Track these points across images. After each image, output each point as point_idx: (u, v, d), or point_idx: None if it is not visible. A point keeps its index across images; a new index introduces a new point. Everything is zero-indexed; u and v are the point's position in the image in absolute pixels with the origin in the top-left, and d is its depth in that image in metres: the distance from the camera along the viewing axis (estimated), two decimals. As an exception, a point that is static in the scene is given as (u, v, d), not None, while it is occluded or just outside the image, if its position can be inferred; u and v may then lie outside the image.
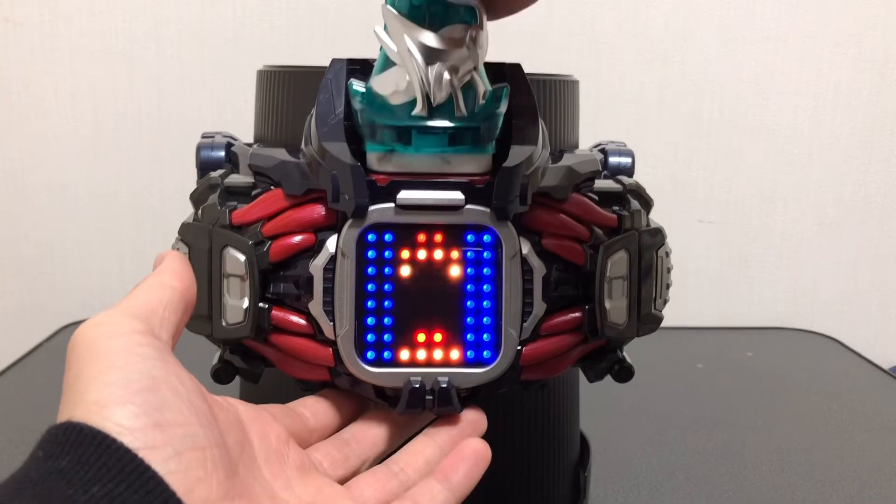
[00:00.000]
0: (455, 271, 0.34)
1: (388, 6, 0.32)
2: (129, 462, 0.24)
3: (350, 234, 0.33)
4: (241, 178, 0.37)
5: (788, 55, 0.88)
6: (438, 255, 0.34)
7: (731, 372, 0.77)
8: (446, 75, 0.31)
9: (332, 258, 0.33)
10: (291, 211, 0.34)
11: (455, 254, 0.34)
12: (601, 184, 0.39)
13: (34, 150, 0.87)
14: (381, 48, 0.33)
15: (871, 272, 0.94)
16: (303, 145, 0.35)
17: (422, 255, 0.34)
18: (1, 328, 0.90)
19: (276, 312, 0.35)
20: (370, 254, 0.34)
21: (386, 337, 0.34)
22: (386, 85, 0.32)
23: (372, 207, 0.33)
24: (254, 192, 0.36)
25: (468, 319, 0.34)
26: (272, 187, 0.35)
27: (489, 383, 0.35)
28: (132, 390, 0.26)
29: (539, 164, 0.34)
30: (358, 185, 0.32)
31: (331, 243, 0.34)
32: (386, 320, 0.34)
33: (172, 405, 0.26)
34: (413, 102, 0.32)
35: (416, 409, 0.34)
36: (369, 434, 0.35)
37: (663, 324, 0.39)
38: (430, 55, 0.31)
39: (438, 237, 0.34)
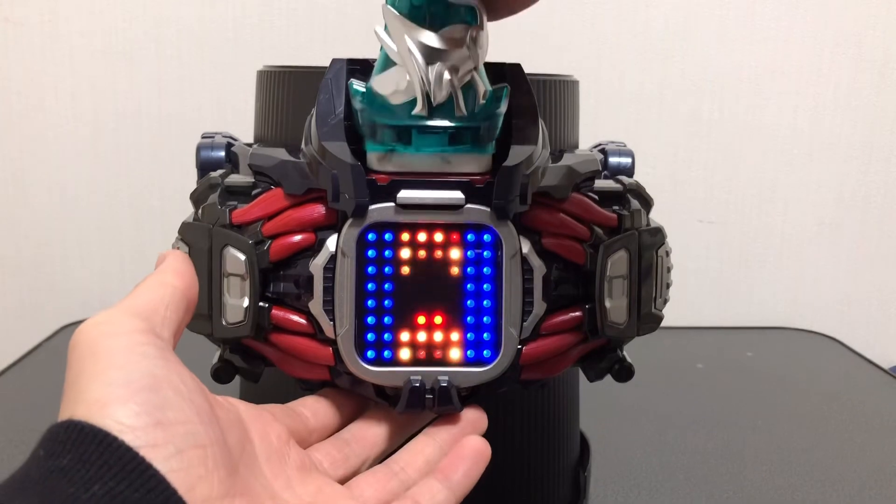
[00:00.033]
0: (455, 271, 0.34)
1: (389, 6, 0.32)
2: (130, 460, 0.24)
3: (350, 233, 0.33)
4: (241, 178, 0.37)
5: (788, 55, 0.88)
6: (438, 254, 0.34)
7: (731, 372, 0.77)
8: (446, 75, 0.31)
9: (333, 257, 0.34)
10: (292, 210, 0.34)
11: (455, 253, 0.34)
12: (601, 183, 0.39)
13: (34, 150, 0.87)
14: (381, 48, 0.33)
15: (871, 272, 0.94)
16: (303, 145, 0.35)
17: (422, 254, 0.34)
18: (1, 328, 0.90)
19: (276, 312, 0.35)
20: (370, 253, 0.34)
21: (386, 336, 0.34)
22: (386, 85, 0.32)
23: (372, 207, 0.33)
24: (254, 192, 0.36)
25: (468, 318, 0.34)
26: (272, 187, 0.35)
27: (489, 382, 0.35)
28: (133, 389, 0.26)
29: (539, 163, 0.34)
30: (358, 185, 0.33)
31: (331, 243, 0.34)
32: (386, 319, 0.34)
33: (173, 404, 0.26)
34: (413, 102, 0.32)
35: (417, 409, 0.34)
36: (369, 434, 0.35)
37: (663, 324, 0.39)
38: (430, 55, 0.31)
39: (439, 236, 0.34)
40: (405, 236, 0.34)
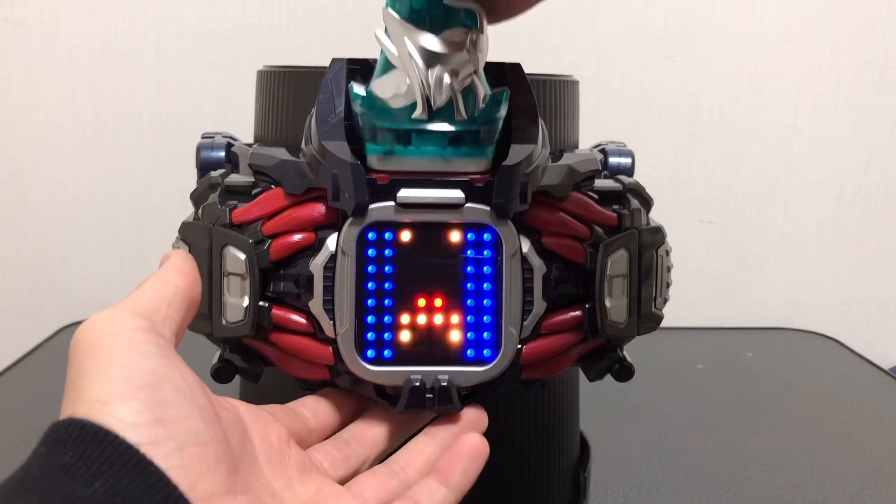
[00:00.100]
0: (455, 270, 0.34)
1: (389, 9, 0.32)
2: (131, 457, 0.24)
3: (350, 232, 0.33)
4: (241, 178, 0.37)
5: (788, 55, 0.88)
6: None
7: (731, 372, 0.77)
8: (446, 79, 0.31)
9: (333, 257, 0.34)
10: (292, 209, 0.34)
11: (455, 252, 0.34)
12: (601, 183, 0.39)
13: (34, 150, 0.87)
14: (381, 51, 0.33)
15: (871, 272, 0.94)
16: (303, 145, 0.35)
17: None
18: (1, 328, 0.90)
19: (276, 311, 0.35)
20: (370, 252, 0.34)
21: (386, 335, 0.34)
22: (386, 88, 0.32)
23: (372, 206, 0.33)
24: (254, 192, 0.36)
25: (468, 318, 0.34)
26: (272, 186, 0.35)
27: (489, 382, 0.35)
28: (134, 387, 0.26)
29: (539, 162, 0.34)
30: (358, 184, 0.33)
31: (331, 242, 0.34)
32: (386, 319, 0.34)
33: (175, 401, 0.26)
34: (413, 106, 0.32)
35: (417, 408, 0.34)
36: (369, 433, 0.35)
37: (663, 324, 0.39)
38: (430, 58, 0.31)
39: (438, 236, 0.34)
40: (405, 235, 0.34)
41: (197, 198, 0.37)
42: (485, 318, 0.34)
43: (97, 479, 0.23)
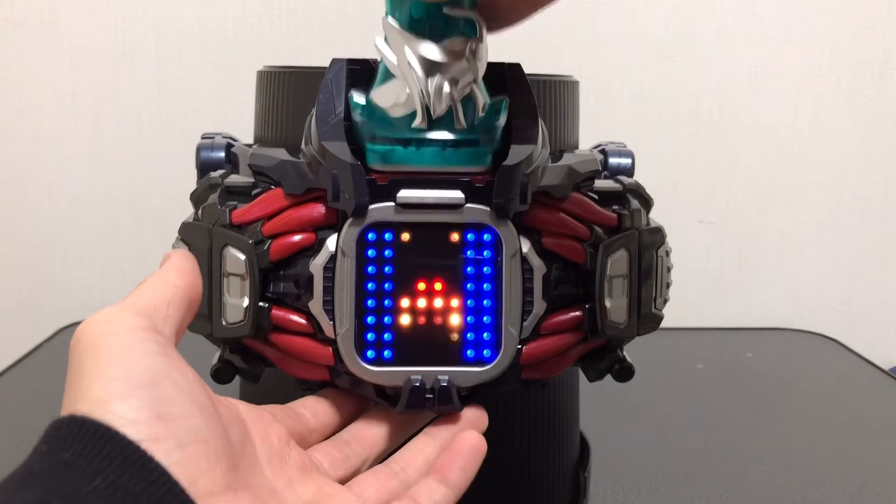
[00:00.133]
0: (455, 270, 0.34)
1: (389, 18, 0.32)
2: (131, 453, 0.24)
3: (350, 232, 0.33)
4: (241, 178, 0.37)
5: (788, 55, 0.88)
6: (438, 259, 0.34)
7: (731, 372, 0.77)
8: (446, 88, 0.31)
9: (333, 257, 0.34)
10: (292, 210, 0.34)
11: (455, 253, 0.34)
12: (601, 183, 0.39)
13: (34, 150, 0.87)
14: (381, 60, 0.33)
15: (872, 272, 0.94)
16: (303, 145, 0.35)
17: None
18: (1, 328, 0.90)
19: (276, 311, 0.35)
20: (370, 253, 0.34)
21: (386, 336, 0.34)
22: (386, 97, 0.32)
23: (372, 206, 0.33)
24: (254, 192, 0.36)
25: (468, 318, 0.34)
26: (272, 187, 0.35)
27: (489, 382, 0.35)
28: (135, 385, 0.26)
29: (539, 163, 0.34)
30: (358, 184, 0.33)
31: (331, 242, 0.34)
32: (386, 319, 0.34)
33: (175, 399, 0.26)
34: (413, 115, 0.32)
35: (417, 409, 0.34)
36: (369, 434, 0.35)
37: (663, 324, 0.39)
38: (430, 67, 0.31)
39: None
40: (405, 236, 0.34)
41: (197, 198, 0.37)
42: (485, 318, 0.34)
43: (98, 475, 0.24)
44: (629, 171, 0.44)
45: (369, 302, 0.34)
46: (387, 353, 0.34)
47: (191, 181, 0.40)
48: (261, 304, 0.35)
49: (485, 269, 0.34)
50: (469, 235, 0.34)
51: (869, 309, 0.94)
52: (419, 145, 0.33)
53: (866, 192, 0.92)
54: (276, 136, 0.43)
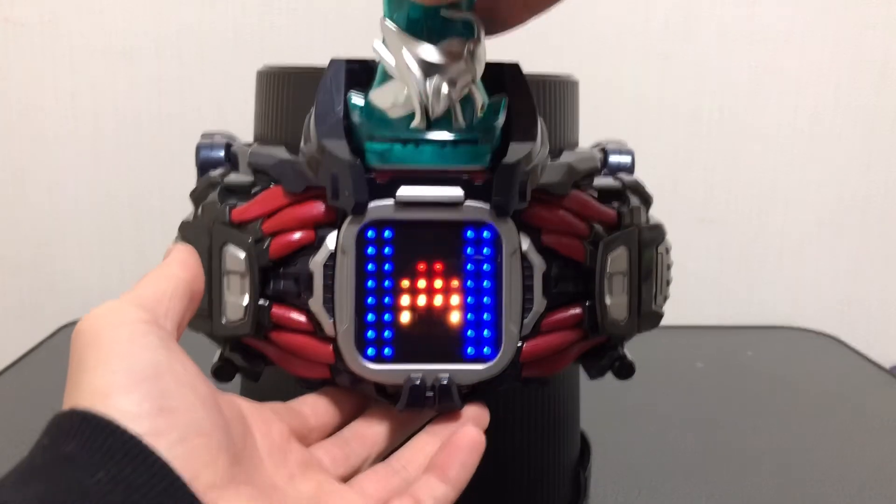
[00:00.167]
0: (455, 268, 0.34)
1: (387, 20, 0.32)
2: (133, 447, 0.24)
3: (350, 230, 0.33)
4: (240, 177, 0.37)
5: (788, 55, 0.88)
6: (438, 258, 0.34)
7: (731, 372, 0.77)
8: (444, 88, 0.31)
9: (332, 255, 0.34)
10: (291, 208, 0.34)
11: (455, 250, 0.34)
12: (600, 181, 0.39)
13: (34, 150, 0.87)
14: (379, 62, 0.33)
15: (872, 272, 0.94)
16: (302, 144, 0.35)
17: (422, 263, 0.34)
18: (1, 328, 0.90)
19: (276, 310, 0.35)
20: (370, 250, 0.34)
21: (386, 334, 0.34)
22: (384, 98, 0.33)
23: (371, 204, 0.33)
24: (253, 191, 0.36)
25: (468, 316, 0.34)
26: (272, 185, 0.35)
27: (489, 380, 0.35)
28: (136, 378, 0.26)
29: (538, 160, 0.34)
30: (357, 183, 0.33)
31: (330, 240, 0.34)
32: (386, 317, 0.34)
33: (177, 392, 0.26)
34: (411, 115, 0.32)
35: (417, 407, 0.34)
36: (370, 432, 0.35)
37: (663, 322, 0.39)
38: (428, 69, 0.31)
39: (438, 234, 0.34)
40: (405, 234, 0.34)
41: (196, 197, 0.37)
42: (485, 315, 0.34)
43: (100, 468, 0.24)
44: (629, 170, 0.44)
45: (369, 300, 0.34)
46: (387, 351, 0.34)
47: (191, 181, 0.40)
48: (261, 302, 0.35)
49: (485, 266, 0.34)
50: (469, 233, 0.34)
51: (869, 308, 0.94)
52: (418, 144, 0.33)
53: (866, 192, 0.92)
54: (276, 136, 0.43)
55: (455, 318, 0.34)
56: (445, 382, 0.34)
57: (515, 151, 0.33)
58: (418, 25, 0.32)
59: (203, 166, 0.42)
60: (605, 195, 0.38)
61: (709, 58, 0.88)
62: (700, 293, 0.92)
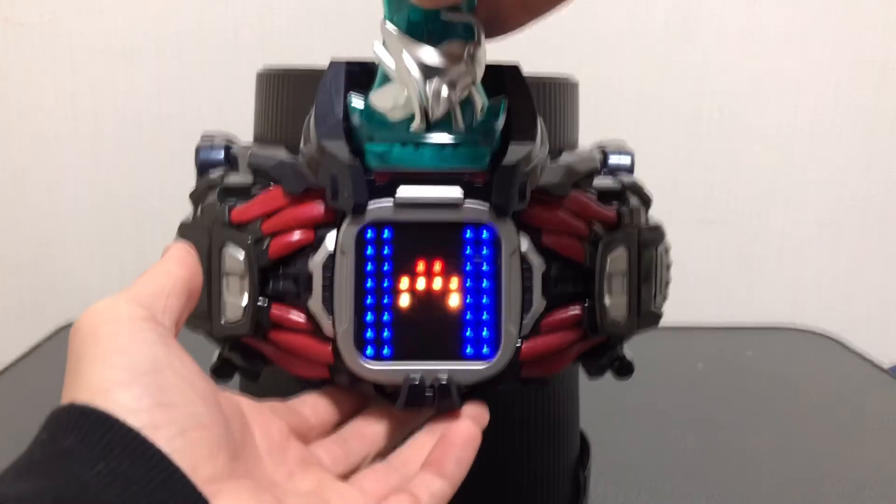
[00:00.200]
0: (454, 268, 0.34)
1: (387, 22, 0.32)
2: (132, 440, 0.24)
3: (349, 231, 0.33)
4: (240, 178, 0.37)
5: (788, 55, 0.88)
6: (438, 259, 0.34)
7: (731, 372, 0.77)
8: (444, 91, 0.31)
9: (331, 255, 0.34)
10: (291, 208, 0.34)
11: (454, 250, 0.34)
12: (600, 181, 0.39)
13: (34, 150, 0.87)
14: (379, 64, 0.33)
15: (872, 272, 0.94)
16: (302, 145, 0.35)
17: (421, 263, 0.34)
18: (1, 328, 0.90)
19: (275, 310, 0.35)
20: (369, 251, 0.34)
21: (385, 333, 0.34)
22: (384, 100, 0.33)
23: (371, 205, 0.33)
24: (253, 192, 0.36)
25: (468, 315, 0.34)
26: (271, 185, 0.35)
27: (489, 380, 0.35)
28: (135, 373, 0.26)
29: (538, 161, 0.34)
30: (357, 183, 0.33)
31: (330, 240, 0.34)
32: (385, 317, 0.34)
33: (176, 387, 0.26)
34: (411, 118, 0.32)
35: (416, 406, 0.34)
36: (369, 431, 0.35)
37: (663, 323, 0.39)
38: (428, 71, 0.31)
39: (437, 234, 0.34)
40: (404, 233, 0.34)
41: (196, 197, 0.37)
42: (484, 315, 0.34)
43: (99, 461, 0.24)
44: (629, 170, 0.44)
45: (368, 300, 0.34)
46: (386, 351, 0.34)
47: (191, 181, 0.40)
48: (260, 302, 0.35)
49: (484, 266, 0.34)
50: (468, 233, 0.34)
51: (869, 308, 0.94)
52: (417, 146, 0.33)
53: (866, 192, 0.92)
54: (276, 137, 0.43)
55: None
56: (445, 382, 0.34)
57: (515, 152, 0.33)
58: (418, 28, 0.32)
59: (203, 167, 0.42)
60: (605, 196, 0.38)
61: (709, 58, 0.88)
62: (700, 293, 0.92)
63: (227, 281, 0.35)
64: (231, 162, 0.42)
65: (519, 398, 0.44)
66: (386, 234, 0.34)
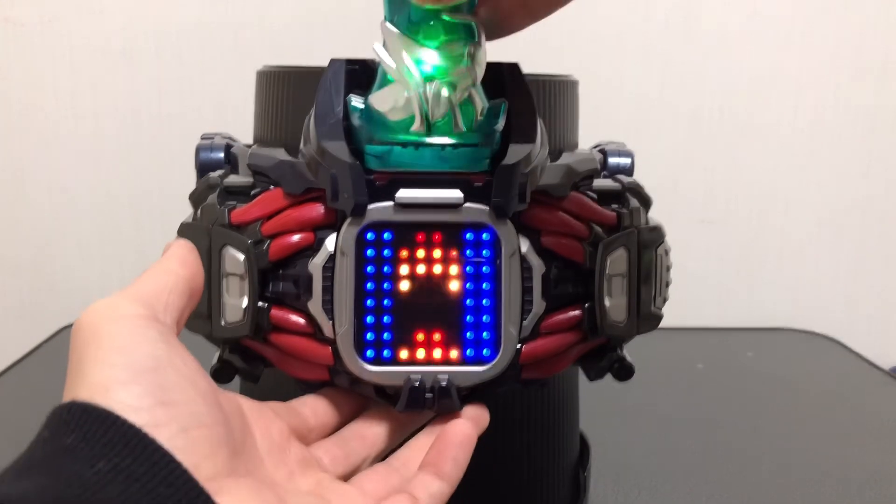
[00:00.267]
0: (454, 270, 0.34)
1: (387, 23, 0.32)
2: (133, 437, 0.24)
3: (349, 232, 0.33)
4: (240, 178, 0.37)
5: (788, 55, 0.88)
6: (437, 253, 0.34)
7: (731, 372, 0.77)
8: (444, 92, 0.31)
9: (332, 257, 0.33)
10: (291, 210, 0.34)
11: (454, 252, 0.34)
12: (600, 182, 0.39)
13: (34, 150, 0.87)
14: (379, 64, 0.33)
15: (872, 272, 0.94)
16: (302, 145, 0.35)
17: (421, 253, 0.34)
18: (1, 328, 0.90)
19: (275, 311, 0.35)
20: (369, 252, 0.34)
21: (385, 335, 0.34)
22: (384, 101, 0.33)
23: (371, 206, 0.33)
24: (253, 192, 0.36)
25: (467, 317, 0.34)
26: (271, 187, 0.35)
27: (489, 382, 0.35)
28: (136, 371, 0.26)
29: (538, 162, 0.34)
30: (357, 184, 0.33)
31: (330, 242, 0.34)
32: (385, 319, 0.34)
33: (177, 385, 0.26)
34: (411, 119, 0.32)
35: (416, 408, 0.34)
36: (369, 432, 0.35)
37: (663, 324, 0.39)
38: (428, 72, 0.31)
39: (437, 236, 0.34)
40: (404, 235, 0.34)
41: (196, 198, 0.37)
42: (484, 317, 0.34)
43: (101, 459, 0.24)
44: (629, 171, 0.44)
45: (368, 301, 0.34)
46: (386, 353, 0.34)
47: (191, 181, 0.40)
48: (260, 304, 0.35)
49: (484, 268, 0.34)
50: (468, 235, 0.34)
51: (869, 309, 0.94)
52: (417, 146, 0.33)
53: (866, 192, 0.92)
54: (276, 137, 0.43)
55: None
56: (445, 384, 0.34)
57: (515, 153, 0.33)
58: (419, 28, 0.32)
59: (203, 168, 0.42)
60: (605, 197, 0.38)
61: (709, 58, 0.88)
62: (700, 294, 0.92)
63: (227, 282, 0.35)
64: (231, 162, 0.42)
65: (519, 399, 0.44)
66: (386, 235, 0.34)
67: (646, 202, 0.39)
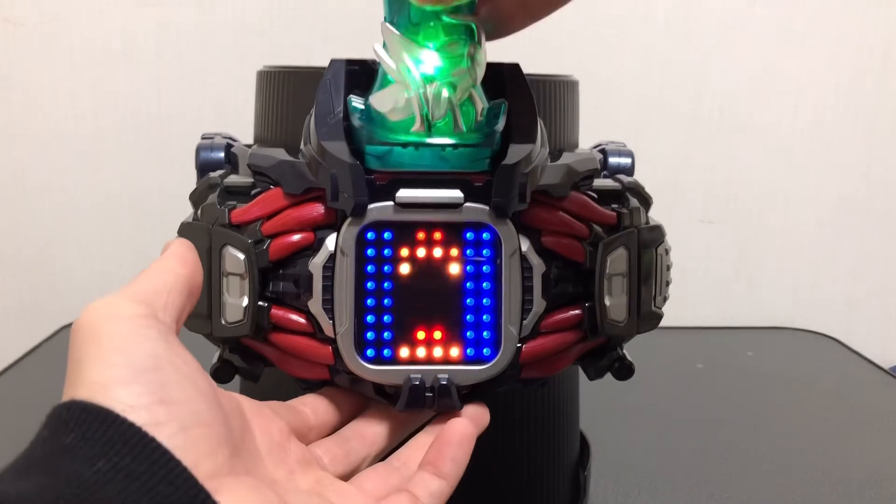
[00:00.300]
0: (454, 269, 0.34)
1: (388, 24, 0.32)
2: (133, 435, 0.24)
3: (349, 232, 0.33)
4: (240, 178, 0.37)
5: (788, 55, 0.88)
6: (437, 252, 0.34)
7: (731, 372, 0.77)
8: (445, 93, 0.31)
9: (332, 256, 0.34)
10: (291, 209, 0.34)
11: (454, 251, 0.34)
12: (600, 182, 0.39)
13: (34, 150, 0.87)
14: (380, 65, 0.33)
15: (872, 272, 0.94)
16: (302, 145, 0.35)
17: (421, 252, 0.34)
18: (1, 328, 0.90)
19: (275, 311, 0.35)
20: (369, 252, 0.34)
21: (385, 335, 0.34)
22: (385, 102, 0.33)
23: (371, 206, 0.33)
24: (253, 192, 0.36)
25: (468, 317, 0.34)
26: (271, 187, 0.35)
27: (489, 381, 0.35)
28: (136, 370, 0.26)
29: (538, 162, 0.34)
30: (357, 184, 0.33)
31: (330, 242, 0.34)
32: (385, 318, 0.34)
33: (177, 384, 0.26)
34: (412, 119, 0.32)
35: (416, 407, 0.34)
36: (370, 431, 0.35)
37: (663, 323, 0.39)
38: (428, 73, 0.31)
39: (437, 235, 0.34)
40: (404, 235, 0.34)
41: (196, 198, 0.37)
42: (484, 317, 0.34)
43: (100, 458, 0.23)
44: (629, 171, 0.44)
45: (369, 301, 0.34)
46: (386, 352, 0.34)
47: (191, 181, 0.40)
48: (260, 303, 0.35)
49: (484, 267, 0.34)
50: (468, 234, 0.34)
51: (869, 308, 0.94)
52: (418, 147, 0.33)
53: (866, 191, 0.92)
54: (276, 136, 0.43)
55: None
56: (445, 383, 0.34)
57: (515, 153, 0.33)
58: (419, 29, 0.32)
59: (203, 168, 0.42)
60: (605, 196, 0.38)
61: (709, 58, 0.88)
62: (700, 294, 0.92)
63: (228, 282, 0.35)
64: (231, 162, 0.42)
65: (519, 398, 0.44)
66: (386, 235, 0.34)
67: (646, 202, 0.39)
